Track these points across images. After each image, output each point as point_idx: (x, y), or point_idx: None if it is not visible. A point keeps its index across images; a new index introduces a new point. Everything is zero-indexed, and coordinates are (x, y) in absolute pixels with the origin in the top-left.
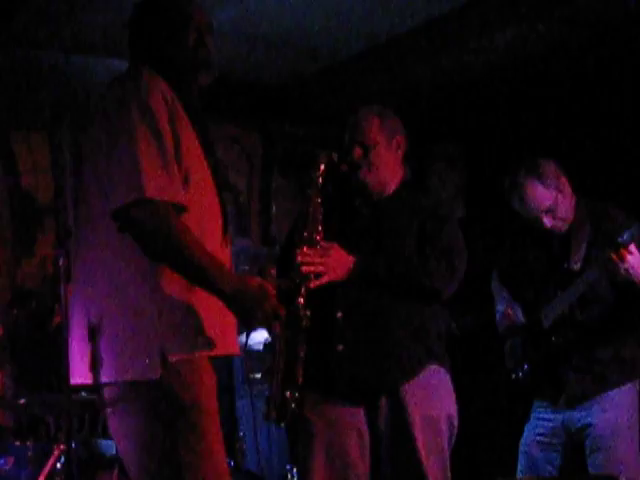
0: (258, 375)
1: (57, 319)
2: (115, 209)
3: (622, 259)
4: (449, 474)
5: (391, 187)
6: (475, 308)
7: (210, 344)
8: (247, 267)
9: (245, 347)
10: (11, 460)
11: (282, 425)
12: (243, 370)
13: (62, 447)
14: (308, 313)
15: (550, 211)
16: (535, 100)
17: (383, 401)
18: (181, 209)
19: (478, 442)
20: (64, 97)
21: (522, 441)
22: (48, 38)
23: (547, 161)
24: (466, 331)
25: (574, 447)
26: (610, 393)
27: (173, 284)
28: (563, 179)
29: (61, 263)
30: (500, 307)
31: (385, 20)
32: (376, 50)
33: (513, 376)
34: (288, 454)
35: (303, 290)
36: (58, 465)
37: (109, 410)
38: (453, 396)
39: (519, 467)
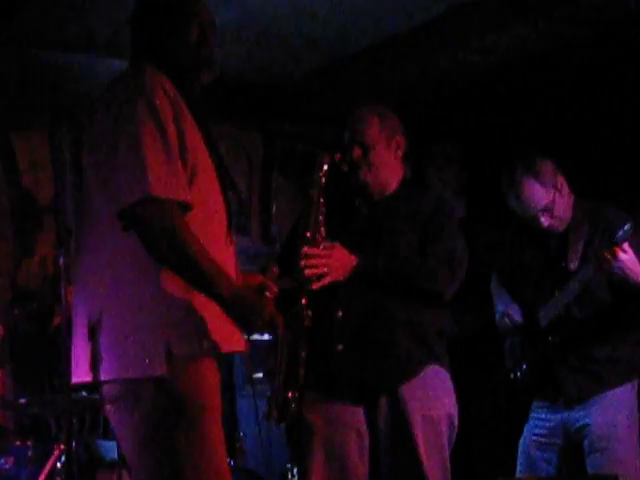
0: (260, 374)
1: (57, 319)
2: (121, 208)
3: (615, 257)
4: (449, 474)
5: (391, 187)
6: (475, 308)
7: (215, 341)
8: (247, 266)
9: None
10: (11, 460)
11: (282, 425)
12: (244, 369)
13: (62, 447)
14: (310, 313)
15: (547, 210)
16: (535, 100)
17: (383, 401)
18: (186, 207)
19: (478, 442)
20: (64, 97)
21: (521, 441)
22: (48, 38)
23: (544, 160)
24: (466, 331)
25: (573, 447)
26: (609, 393)
27: (177, 282)
28: (560, 178)
29: (61, 263)
30: (499, 307)
31: (385, 20)
32: (376, 50)
33: (512, 376)
34: (288, 453)
35: (306, 290)
36: (58, 465)
37: (110, 408)
38: (453, 396)
39: (518, 467)
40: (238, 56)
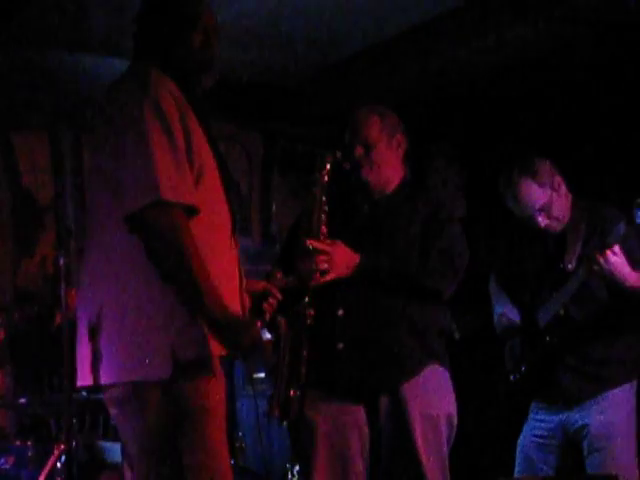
0: (260, 374)
1: (58, 319)
2: (130, 211)
3: (606, 260)
4: (448, 473)
5: (392, 186)
6: (475, 308)
7: (219, 344)
8: (247, 266)
9: None
10: (11, 460)
11: (284, 424)
12: (244, 369)
13: (62, 447)
14: (312, 312)
15: (544, 210)
16: (535, 100)
17: (383, 400)
18: (193, 211)
19: (477, 442)
20: (64, 97)
21: (520, 441)
22: (49, 38)
23: (542, 160)
24: (466, 331)
25: (572, 447)
26: (608, 394)
27: None
28: (558, 178)
29: (61, 263)
30: (498, 309)
31: (384, 20)
32: (376, 50)
33: (511, 377)
34: (289, 452)
35: (308, 288)
36: (58, 465)
37: (116, 411)
38: (453, 395)
39: (516, 467)
40: (238, 56)
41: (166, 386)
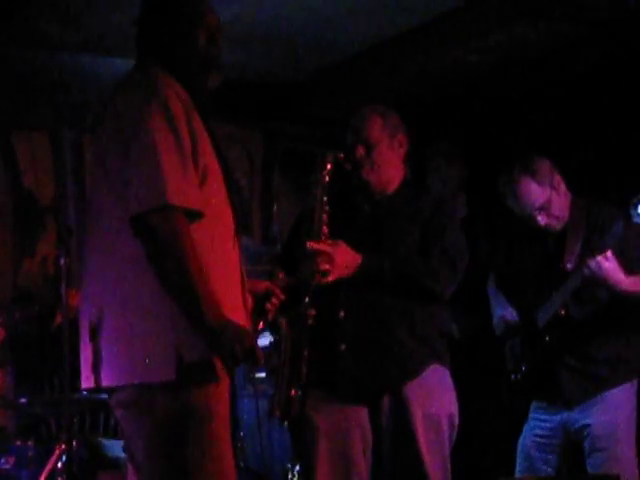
0: (261, 374)
1: (58, 319)
2: (135, 214)
3: (598, 266)
4: (449, 473)
5: (393, 186)
6: (475, 308)
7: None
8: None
9: None
10: (12, 460)
11: (285, 424)
12: (244, 369)
13: (63, 447)
14: (313, 312)
15: (544, 209)
16: (535, 100)
17: (385, 400)
18: (197, 215)
19: (478, 442)
20: (65, 97)
21: (520, 441)
22: (49, 38)
23: (541, 159)
24: (466, 331)
25: (573, 447)
26: (608, 393)
27: None
28: (557, 177)
29: (62, 263)
30: (498, 311)
31: (385, 19)
32: (376, 50)
33: (512, 377)
34: (289, 452)
35: (310, 288)
36: (59, 465)
37: (122, 412)
38: (454, 395)
39: (517, 467)
40: (238, 56)
41: (171, 388)
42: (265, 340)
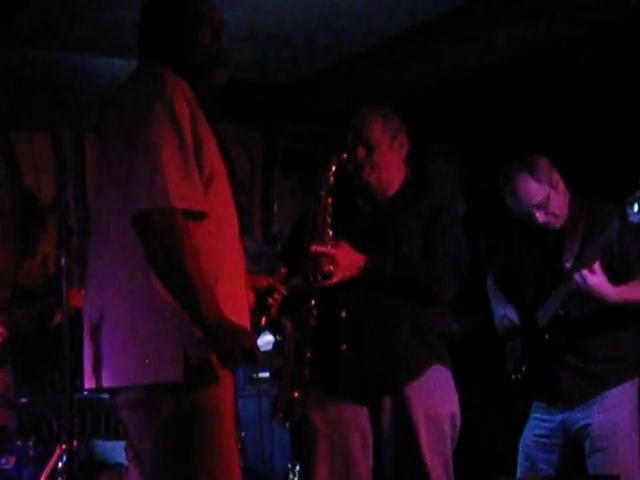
0: (264, 374)
1: (58, 318)
2: (136, 213)
3: (584, 280)
4: (451, 473)
5: (394, 187)
6: (476, 308)
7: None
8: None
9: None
10: (13, 460)
11: (287, 425)
12: (245, 370)
13: (64, 447)
14: (316, 313)
15: (542, 206)
16: (535, 99)
17: (387, 401)
18: (201, 216)
19: (479, 442)
20: (66, 97)
21: (521, 441)
22: (49, 38)
23: (540, 156)
24: (467, 331)
25: (573, 447)
26: (609, 393)
27: None
28: (556, 175)
29: (63, 262)
30: (500, 311)
31: (385, 19)
32: (376, 50)
33: (513, 377)
34: (290, 452)
35: (314, 289)
36: (60, 465)
37: (127, 413)
38: (455, 395)
39: (519, 467)
40: (239, 56)
41: (179, 389)
42: (268, 342)
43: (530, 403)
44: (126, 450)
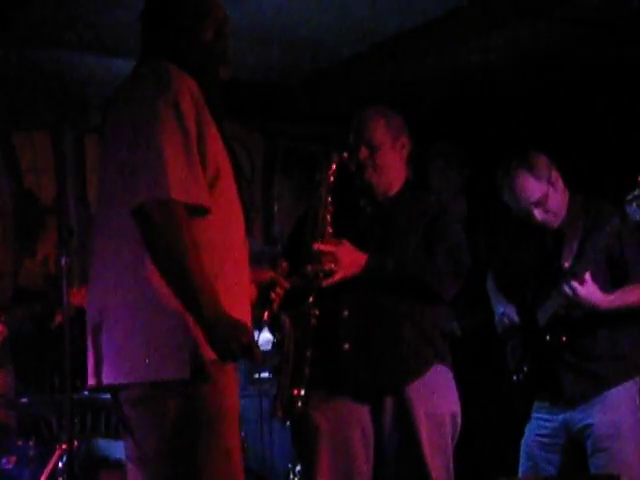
0: (264, 374)
1: (58, 318)
2: (136, 206)
3: (574, 291)
4: (452, 473)
5: (395, 187)
6: (476, 308)
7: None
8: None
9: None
10: (13, 459)
11: (287, 423)
12: (246, 369)
13: (64, 446)
14: (316, 312)
15: (540, 204)
16: (535, 99)
17: (388, 400)
18: (203, 211)
19: (480, 442)
20: (66, 97)
21: (523, 441)
22: (50, 38)
23: (539, 154)
24: (468, 329)
25: (575, 447)
26: (610, 392)
27: None
28: (555, 173)
29: (63, 262)
30: (499, 309)
31: (385, 20)
32: (377, 49)
33: (514, 377)
34: (291, 452)
35: (315, 288)
36: (60, 464)
37: (131, 410)
38: (456, 394)
39: (520, 467)
40: (239, 56)
41: (185, 386)
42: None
43: (532, 403)
44: (125, 448)
